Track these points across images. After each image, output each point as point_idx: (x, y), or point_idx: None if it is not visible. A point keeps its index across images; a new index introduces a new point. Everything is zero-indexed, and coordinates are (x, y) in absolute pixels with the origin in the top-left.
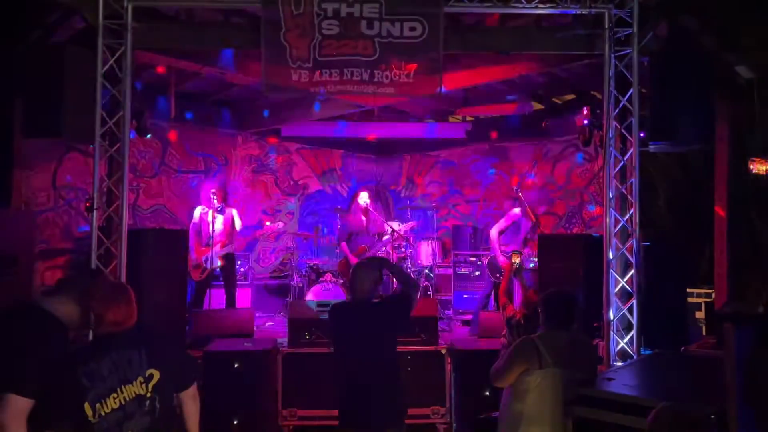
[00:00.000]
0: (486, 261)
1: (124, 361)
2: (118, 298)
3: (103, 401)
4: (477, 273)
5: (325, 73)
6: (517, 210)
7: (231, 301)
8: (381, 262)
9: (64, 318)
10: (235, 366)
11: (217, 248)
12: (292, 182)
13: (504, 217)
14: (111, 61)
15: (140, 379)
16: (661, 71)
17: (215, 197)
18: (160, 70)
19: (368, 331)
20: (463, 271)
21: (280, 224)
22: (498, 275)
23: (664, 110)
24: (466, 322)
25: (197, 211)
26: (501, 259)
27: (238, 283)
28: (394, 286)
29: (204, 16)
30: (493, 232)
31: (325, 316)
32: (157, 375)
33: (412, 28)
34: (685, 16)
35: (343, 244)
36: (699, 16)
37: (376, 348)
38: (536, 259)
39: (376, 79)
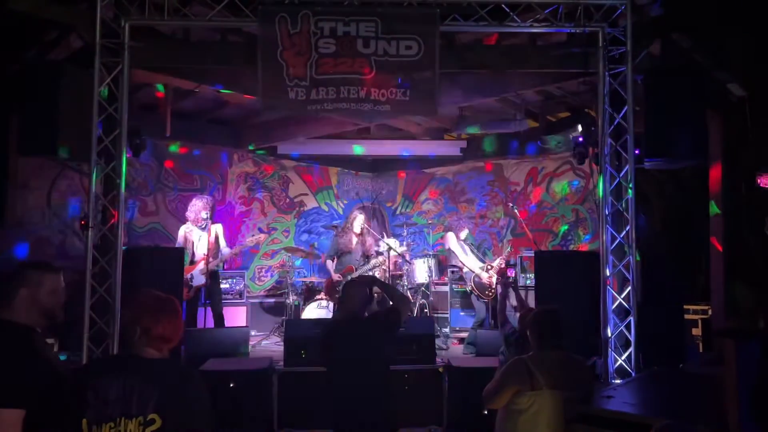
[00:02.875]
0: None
1: (135, 392)
2: (168, 311)
3: (99, 425)
4: None
5: (322, 91)
6: (449, 234)
7: (219, 319)
8: (371, 280)
9: (24, 319)
10: (231, 386)
11: (201, 266)
12: (287, 200)
13: (453, 252)
14: (108, 80)
15: (140, 419)
16: (655, 89)
17: (204, 214)
18: (159, 95)
19: (358, 346)
20: (460, 288)
21: (261, 237)
22: (487, 292)
23: (658, 127)
24: (463, 340)
25: (181, 230)
26: (484, 276)
27: (234, 301)
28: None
29: (201, 35)
30: (463, 260)
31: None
32: (158, 422)
33: (408, 47)
34: (677, 34)
35: (328, 261)
36: (691, 34)
37: (367, 363)
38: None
39: (372, 97)
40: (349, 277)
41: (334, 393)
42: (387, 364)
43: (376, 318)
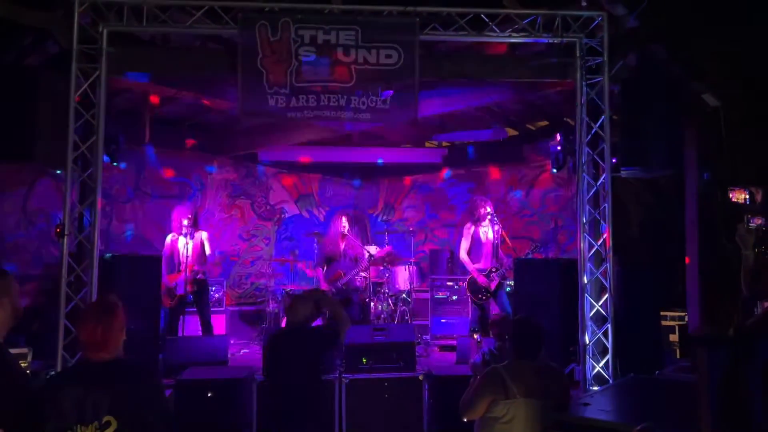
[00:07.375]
0: (464, 284)
1: (88, 399)
2: (96, 316)
3: None
4: (455, 297)
5: (302, 98)
6: (468, 224)
7: (206, 327)
8: (318, 295)
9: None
10: (209, 395)
11: (187, 274)
12: (268, 207)
13: (463, 236)
14: (85, 86)
15: (96, 423)
16: (632, 99)
17: (186, 222)
18: (154, 99)
19: (296, 356)
20: (441, 295)
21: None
22: (480, 296)
23: (634, 136)
24: (443, 348)
25: (168, 239)
26: (480, 278)
27: (213, 309)
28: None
29: (180, 41)
30: (462, 254)
31: None
32: (114, 424)
33: (388, 56)
34: (653, 45)
35: (319, 269)
36: (667, 46)
37: (302, 372)
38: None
39: (352, 105)
40: (339, 283)
41: (272, 398)
42: (320, 375)
43: (316, 333)
